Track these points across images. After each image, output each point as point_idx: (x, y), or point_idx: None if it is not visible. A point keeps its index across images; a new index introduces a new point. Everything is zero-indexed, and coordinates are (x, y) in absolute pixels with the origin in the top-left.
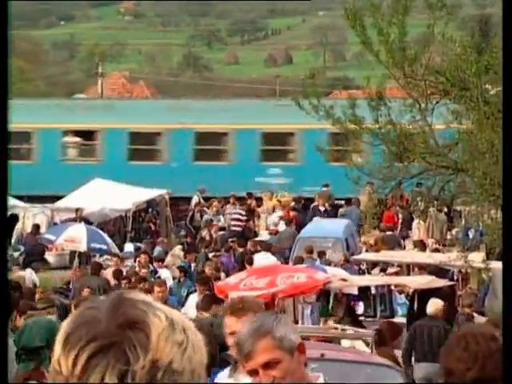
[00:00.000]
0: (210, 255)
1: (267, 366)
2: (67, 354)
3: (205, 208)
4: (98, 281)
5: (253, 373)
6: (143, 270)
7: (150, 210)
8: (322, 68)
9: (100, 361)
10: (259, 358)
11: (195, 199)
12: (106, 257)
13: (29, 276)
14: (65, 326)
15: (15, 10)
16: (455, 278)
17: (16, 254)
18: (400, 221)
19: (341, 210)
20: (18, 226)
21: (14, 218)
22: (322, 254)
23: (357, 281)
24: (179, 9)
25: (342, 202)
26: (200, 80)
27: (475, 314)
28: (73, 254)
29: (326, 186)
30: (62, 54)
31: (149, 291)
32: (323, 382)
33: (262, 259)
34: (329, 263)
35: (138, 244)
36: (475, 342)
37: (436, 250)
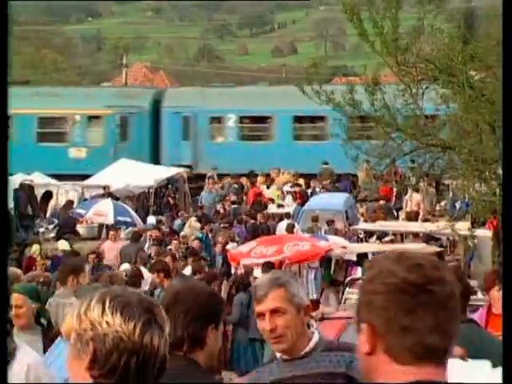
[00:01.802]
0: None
1: (274, 312)
2: (128, 321)
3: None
4: (135, 248)
5: (260, 315)
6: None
7: (169, 186)
8: (323, 57)
9: (149, 328)
10: (269, 304)
11: (212, 174)
12: (130, 228)
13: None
14: (121, 302)
15: (48, 7)
16: (444, 244)
17: (50, 227)
18: (394, 194)
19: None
20: (52, 201)
21: (49, 195)
22: (330, 222)
23: (355, 248)
24: (194, 5)
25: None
26: (214, 69)
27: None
28: (101, 226)
29: (326, 163)
30: (90, 47)
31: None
32: (318, 338)
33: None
34: (336, 231)
35: (160, 217)
36: None
37: (426, 220)
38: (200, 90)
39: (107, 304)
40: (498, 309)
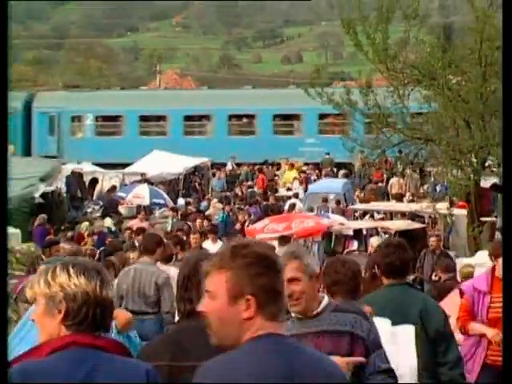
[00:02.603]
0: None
1: (291, 280)
2: (90, 281)
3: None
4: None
5: None
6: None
7: (196, 173)
8: (324, 65)
9: (104, 285)
10: (287, 273)
11: (229, 165)
12: (163, 209)
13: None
14: (81, 267)
15: (94, 24)
16: (426, 221)
17: (97, 208)
18: (385, 179)
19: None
20: (98, 186)
21: (95, 181)
22: (338, 203)
23: (352, 224)
24: (216, 21)
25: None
26: (232, 75)
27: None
28: (139, 207)
29: (328, 154)
30: (129, 57)
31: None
32: (327, 302)
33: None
34: (342, 211)
35: (188, 199)
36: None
37: (411, 201)
38: (64, 93)
39: (71, 270)
40: (501, 274)
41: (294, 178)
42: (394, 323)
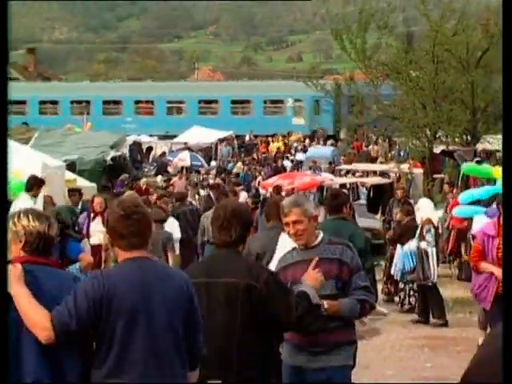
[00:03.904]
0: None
1: (295, 222)
2: (42, 224)
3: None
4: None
5: (286, 224)
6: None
7: (224, 142)
8: (318, 63)
9: (51, 226)
10: (292, 217)
11: (247, 137)
12: (200, 169)
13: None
14: (35, 214)
15: (149, 32)
16: (393, 178)
17: (152, 168)
18: (363, 147)
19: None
20: (152, 152)
21: (150, 148)
22: (330, 164)
23: (338, 180)
24: (239, 31)
25: None
26: (251, 71)
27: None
28: (182, 168)
29: (322, 129)
30: (175, 57)
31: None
32: (322, 236)
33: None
34: (331, 170)
35: (218, 162)
36: None
37: (382, 163)
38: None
39: (29, 216)
40: None
41: (296, 146)
42: None
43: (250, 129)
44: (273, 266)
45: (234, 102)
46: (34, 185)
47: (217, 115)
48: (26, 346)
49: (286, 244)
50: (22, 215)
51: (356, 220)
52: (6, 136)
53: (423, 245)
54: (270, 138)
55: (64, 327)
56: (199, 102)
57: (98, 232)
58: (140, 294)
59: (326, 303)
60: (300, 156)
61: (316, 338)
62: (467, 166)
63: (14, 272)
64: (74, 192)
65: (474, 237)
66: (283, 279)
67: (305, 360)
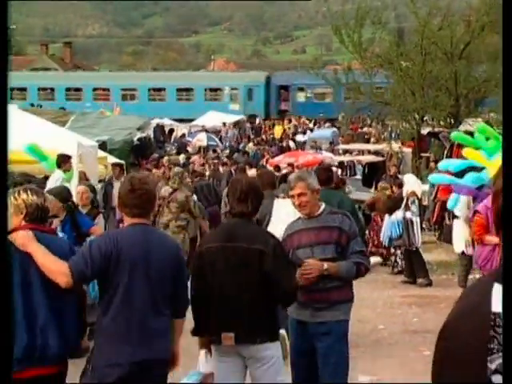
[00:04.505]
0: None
1: (300, 194)
2: (39, 198)
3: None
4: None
5: (292, 196)
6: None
7: (236, 125)
8: (320, 55)
9: (45, 199)
10: (297, 190)
11: (258, 119)
12: (215, 148)
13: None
14: (33, 190)
15: (170, 27)
16: (385, 156)
17: (173, 148)
18: (359, 129)
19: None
20: (174, 134)
21: (172, 130)
22: (330, 144)
23: (337, 158)
24: (250, 27)
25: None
26: (261, 62)
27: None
28: (199, 147)
29: (321, 113)
30: (194, 50)
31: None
32: (324, 207)
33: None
34: (331, 149)
35: (232, 142)
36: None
37: (376, 143)
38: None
39: (28, 192)
40: None
41: (300, 130)
42: None
43: (192, 113)
44: (272, 227)
45: (178, 89)
46: (61, 161)
47: (164, 101)
48: (36, 309)
49: (279, 207)
50: (21, 191)
51: (349, 191)
52: (6, 119)
53: (408, 214)
54: (275, 122)
55: (80, 274)
56: (148, 90)
57: None
58: (142, 249)
59: (326, 265)
60: (300, 137)
61: (318, 296)
62: (455, 134)
63: (27, 235)
64: (116, 166)
65: (476, 212)
66: (290, 244)
67: (308, 315)
